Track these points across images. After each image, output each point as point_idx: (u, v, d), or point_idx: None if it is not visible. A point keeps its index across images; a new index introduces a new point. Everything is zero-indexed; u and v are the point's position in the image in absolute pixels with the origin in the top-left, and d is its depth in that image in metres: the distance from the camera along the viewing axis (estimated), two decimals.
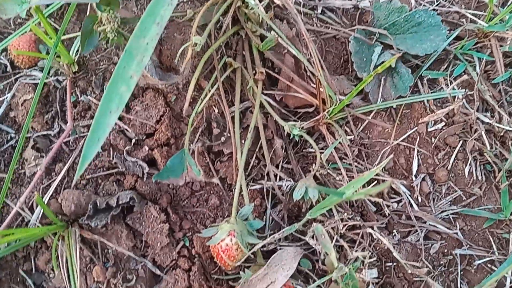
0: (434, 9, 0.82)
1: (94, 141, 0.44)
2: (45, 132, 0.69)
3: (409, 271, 0.64)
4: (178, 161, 0.61)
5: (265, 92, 0.74)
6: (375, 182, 0.72)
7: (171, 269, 0.66)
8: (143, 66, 0.46)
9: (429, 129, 0.75)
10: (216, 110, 0.72)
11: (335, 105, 0.69)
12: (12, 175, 0.68)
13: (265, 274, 0.61)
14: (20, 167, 0.69)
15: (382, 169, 0.74)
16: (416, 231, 0.73)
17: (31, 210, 0.66)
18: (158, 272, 0.65)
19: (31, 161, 0.67)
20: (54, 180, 0.66)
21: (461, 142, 0.75)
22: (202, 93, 0.71)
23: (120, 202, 0.63)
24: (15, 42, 0.71)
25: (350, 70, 0.81)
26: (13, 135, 0.70)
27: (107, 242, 0.64)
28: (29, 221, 0.65)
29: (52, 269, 0.65)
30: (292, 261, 0.62)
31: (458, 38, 0.81)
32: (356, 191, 0.56)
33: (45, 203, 0.65)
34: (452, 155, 0.75)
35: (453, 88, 0.73)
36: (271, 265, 0.62)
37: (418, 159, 0.74)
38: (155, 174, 0.63)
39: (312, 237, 0.66)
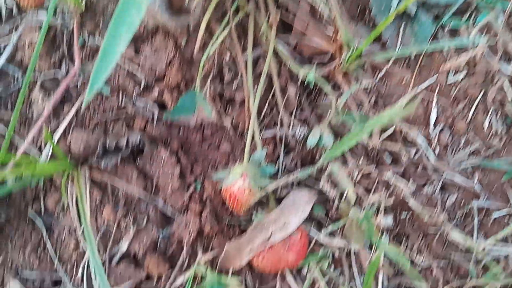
0: None
1: (102, 68, 0.43)
2: (52, 73, 0.68)
3: (425, 220, 0.63)
4: (189, 100, 0.59)
5: (279, 39, 0.71)
6: (392, 130, 0.70)
7: (182, 212, 0.64)
8: None
9: (449, 79, 0.73)
10: (228, 56, 0.70)
11: (353, 50, 0.67)
12: (20, 117, 0.66)
13: (278, 217, 0.60)
14: (27, 110, 0.67)
15: (399, 120, 0.72)
16: (432, 182, 0.71)
17: (40, 150, 0.65)
18: (169, 212, 0.63)
19: (39, 102, 0.66)
20: (63, 121, 0.65)
21: (481, 93, 0.72)
22: (213, 38, 0.69)
23: (130, 143, 0.61)
24: None
25: (368, 19, 0.78)
26: (20, 77, 0.68)
27: (117, 183, 0.63)
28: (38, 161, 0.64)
29: (62, 210, 0.64)
30: (306, 203, 0.60)
31: None
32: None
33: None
34: (472, 106, 0.72)
35: (475, 37, 0.70)
36: (285, 207, 0.60)
37: (437, 109, 0.72)
38: (166, 113, 0.61)
39: (327, 182, 0.64)
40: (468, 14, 0.76)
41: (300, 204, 0.60)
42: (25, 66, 0.69)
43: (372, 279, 0.54)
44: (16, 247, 0.65)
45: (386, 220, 0.64)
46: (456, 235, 0.61)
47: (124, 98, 0.67)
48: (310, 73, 0.64)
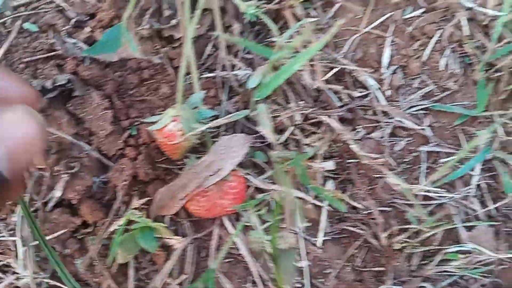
0: None
1: None
2: None
3: (362, 162, 0.61)
4: (114, 35, 0.55)
5: None
6: (338, 71, 0.66)
7: (117, 158, 0.63)
8: None
9: (405, 16, 0.68)
10: None
11: None
12: None
13: (212, 161, 0.58)
14: None
15: (350, 60, 0.68)
16: (382, 127, 0.68)
17: None
18: (104, 158, 0.62)
19: None
20: None
21: (439, 31, 0.68)
22: None
23: (57, 84, 0.58)
24: None
25: None
26: None
27: (47, 128, 0.60)
28: None
29: None
30: (240, 148, 0.58)
31: None
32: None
33: None
34: (428, 45, 0.68)
35: None
36: (217, 151, 0.58)
37: (391, 49, 0.68)
38: (86, 49, 0.57)
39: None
40: None
41: (234, 149, 0.58)
42: None
43: (278, 220, 0.54)
44: None
45: (327, 165, 0.63)
46: (391, 179, 0.59)
47: (54, 35, 0.63)
48: (250, 7, 0.60)
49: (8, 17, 0.63)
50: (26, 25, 0.63)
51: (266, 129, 0.53)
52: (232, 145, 0.58)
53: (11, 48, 0.63)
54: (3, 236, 0.63)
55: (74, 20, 0.63)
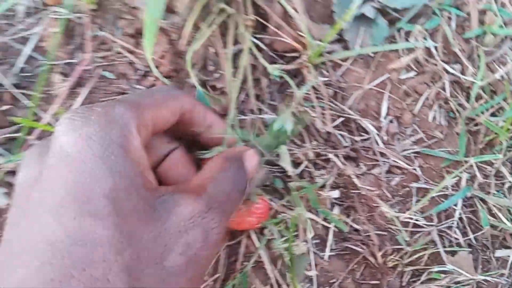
0: None
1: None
2: (68, 60, 0.83)
3: (363, 193, 0.76)
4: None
5: (256, 36, 0.84)
6: (344, 118, 0.82)
7: None
8: None
9: (400, 77, 0.84)
10: (213, 51, 0.84)
11: (315, 49, 0.79)
12: (43, 94, 0.82)
13: None
14: (49, 89, 0.83)
15: (355, 110, 0.84)
16: (380, 165, 0.84)
17: None
18: None
19: (58, 84, 0.81)
20: (76, 100, 0.80)
21: (428, 90, 0.84)
22: (199, 35, 0.82)
23: None
24: None
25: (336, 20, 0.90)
26: (43, 62, 0.84)
27: None
28: None
29: None
30: (261, 178, 0.74)
31: None
32: None
33: None
34: (418, 101, 0.84)
35: (424, 39, 0.82)
36: None
37: (388, 103, 0.84)
38: None
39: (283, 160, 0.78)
40: (423, 19, 0.87)
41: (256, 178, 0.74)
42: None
43: (294, 234, 0.69)
44: None
45: (333, 193, 0.78)
46: (384, 208, 0.74)
47: (126, 82, 0.82)
48: (274, 70, 0.77)
49: (91, 66, 0.83)
50: (105, 73, 0.82)
51: (286, 165, 0.69)
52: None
53: (93, 90, 0.82)
54: None
55: (141, 71, 0.82)
